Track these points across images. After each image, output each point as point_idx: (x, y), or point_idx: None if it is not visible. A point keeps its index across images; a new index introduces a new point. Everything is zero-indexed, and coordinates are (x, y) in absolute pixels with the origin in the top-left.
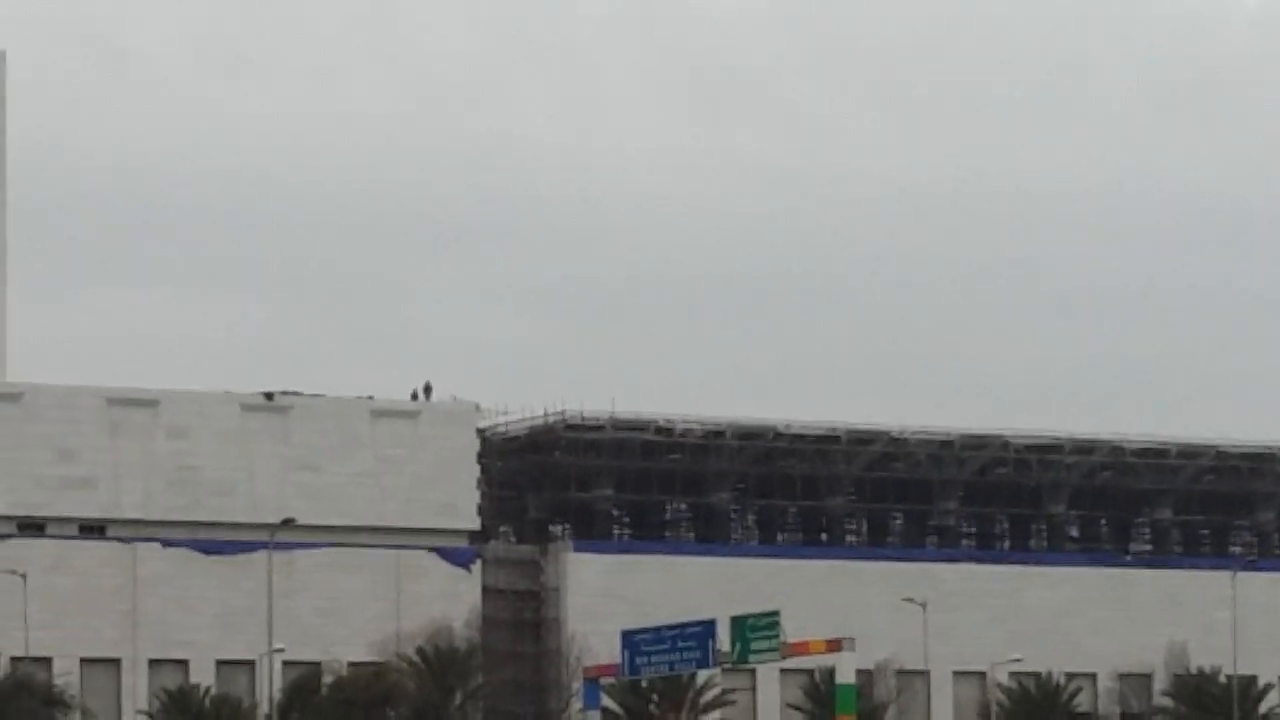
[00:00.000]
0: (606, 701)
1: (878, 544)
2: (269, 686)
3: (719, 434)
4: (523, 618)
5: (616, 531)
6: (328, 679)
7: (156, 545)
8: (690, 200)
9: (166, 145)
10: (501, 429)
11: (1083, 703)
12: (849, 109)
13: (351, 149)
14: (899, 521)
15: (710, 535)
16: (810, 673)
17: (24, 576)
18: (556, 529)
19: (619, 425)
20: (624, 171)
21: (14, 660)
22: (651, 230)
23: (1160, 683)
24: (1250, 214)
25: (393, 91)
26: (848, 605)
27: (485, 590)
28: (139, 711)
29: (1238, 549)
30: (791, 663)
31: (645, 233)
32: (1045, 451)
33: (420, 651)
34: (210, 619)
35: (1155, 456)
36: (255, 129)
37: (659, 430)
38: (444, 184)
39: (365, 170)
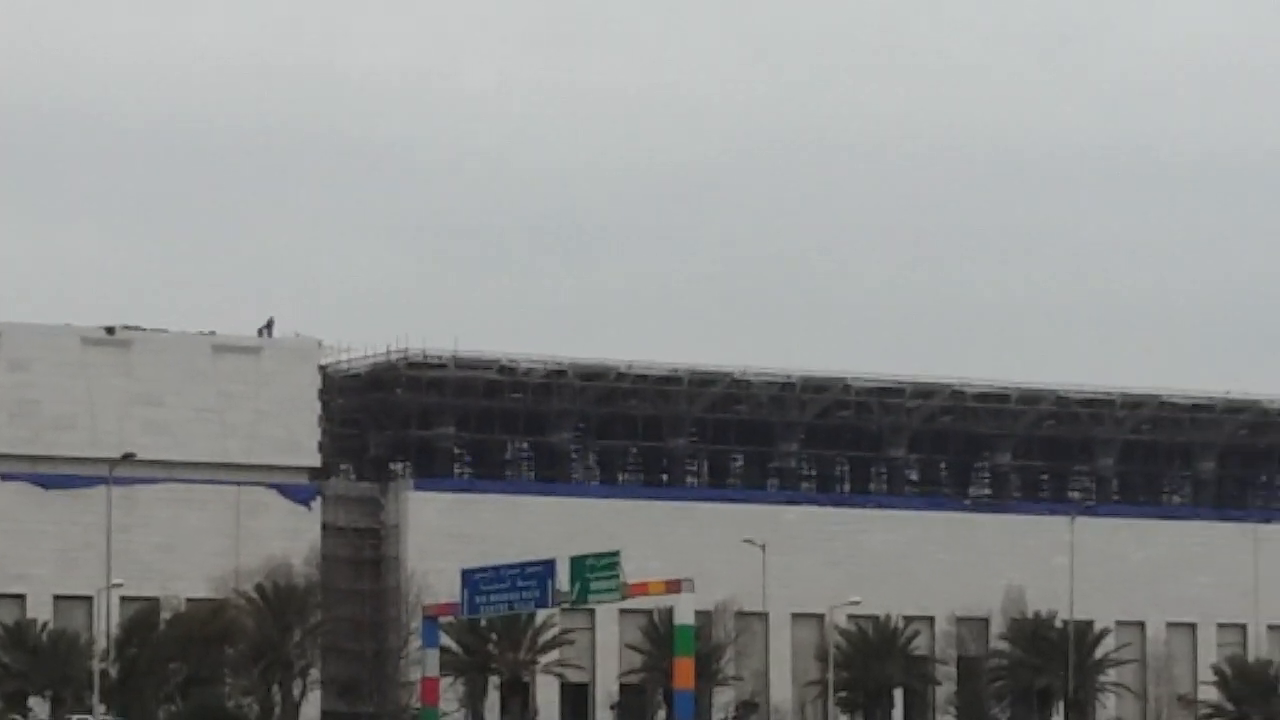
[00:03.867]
0: (445, 640)
1: (718, 485)
2: (107, 622)
3: (561, 374)
4: (362, 555)
5: (457, 470)
6: (166, 615)
7: None
8: (535, 137)
9: (1, 79)
10: (344, 366)
11: (920, 645)
12: (702, 41)
13: (196, 83)
14: (740, 463)
15: (551, 475)
16: (649, 613)
17: None
18: (397, 467)
19: (461, 364)
20: (468, 108)
21: None
22: (497, 169)
23: (998, 626)
24: (1094, 160)
25: (240, 27)
26: (688, 546)
27: (325, 527)
28: None
29: (1076, 494)
30: (631, 603)
31: (491, 171)
32: (886, 395)
33: (259, 588)
34: (48, 553)
35: (996, 401)
36: (96, 60)
37: (501, 369)
38: (289, 121)
39: (211, 106)
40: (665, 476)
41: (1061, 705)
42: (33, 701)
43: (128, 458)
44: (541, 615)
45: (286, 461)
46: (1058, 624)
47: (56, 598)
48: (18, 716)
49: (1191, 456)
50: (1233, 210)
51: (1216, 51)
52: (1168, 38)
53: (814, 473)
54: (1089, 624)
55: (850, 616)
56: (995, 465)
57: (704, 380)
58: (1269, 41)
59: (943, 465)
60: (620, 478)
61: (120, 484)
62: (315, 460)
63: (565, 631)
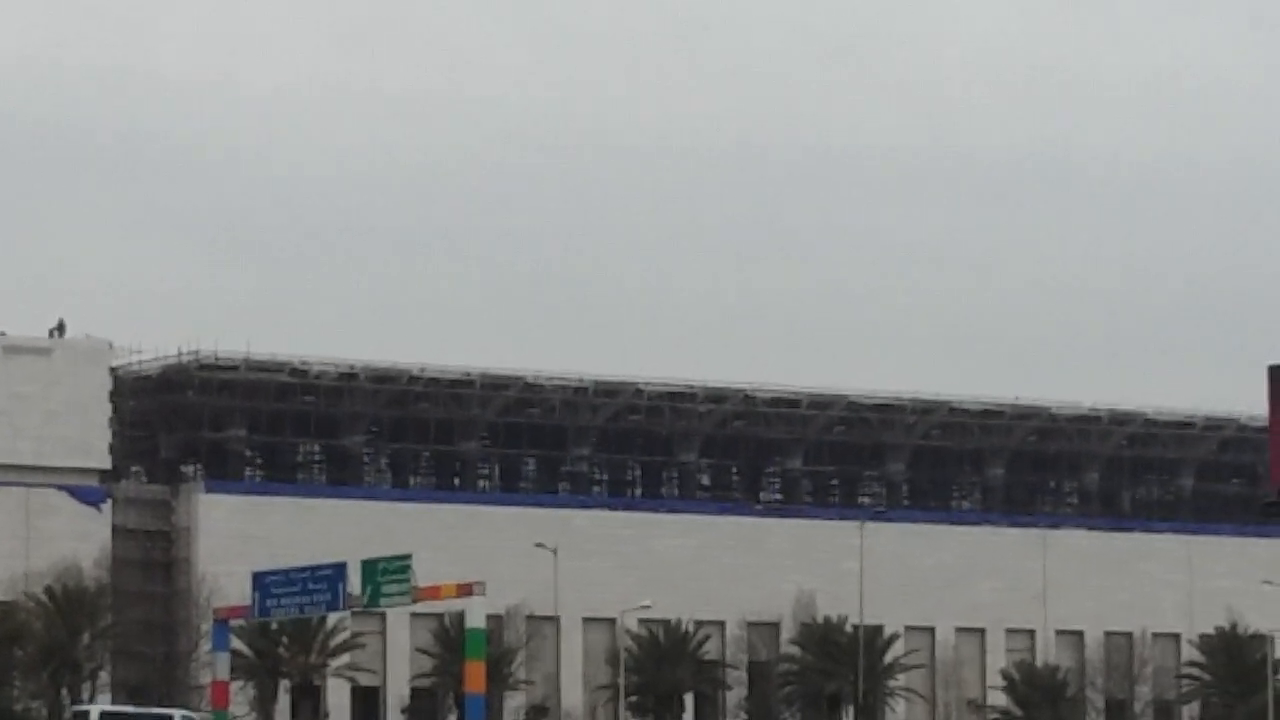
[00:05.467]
0: (236, 643)
1: (510, 489)
2: None
3: (353, 376)
4: (153, 558)
5: (249, 473)
6: None
7: None
8: (328, 138)
9: None
10: (135, 368)
11: (711, 650)
12: (494, 44)
13: None
14: (531, 467)
15: (343, 478)
16: (440, 617)
17: None
18: (188, 469)
19: (253, 366)
20: (260, 109)
21: None
22: (289, 170)
23: (788, 631)
24: (900, 163)
25: (27, 24)
26: (479, 550)
27: (115, 530)
28: None
29: (866, 499)
30: (422, 606)
31: (284, 172)
32: (678, 399)
33: (48, 590)
34: None
35: (787, 406)
36: None
37: (293, 372)
38: (80, 120)
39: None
40: (457, 480)
41: (851, 710)
42: None
43: None
44: (332, 618)
45: (77, 463)
46: (848, 629)
47: None
48: None
49: (981, 462)
50: (1036, 215)
51: (1020, 53)
52: (975, 39)
53: (605, 477)
54: (879, 629)
55: (641, 621)
56: (786, 470)
57: (496, 384)
58: (1071, 43)
59: (734, 470)
60: (412, 481)
61: None
62: (106, 462)
63: (356, 635)
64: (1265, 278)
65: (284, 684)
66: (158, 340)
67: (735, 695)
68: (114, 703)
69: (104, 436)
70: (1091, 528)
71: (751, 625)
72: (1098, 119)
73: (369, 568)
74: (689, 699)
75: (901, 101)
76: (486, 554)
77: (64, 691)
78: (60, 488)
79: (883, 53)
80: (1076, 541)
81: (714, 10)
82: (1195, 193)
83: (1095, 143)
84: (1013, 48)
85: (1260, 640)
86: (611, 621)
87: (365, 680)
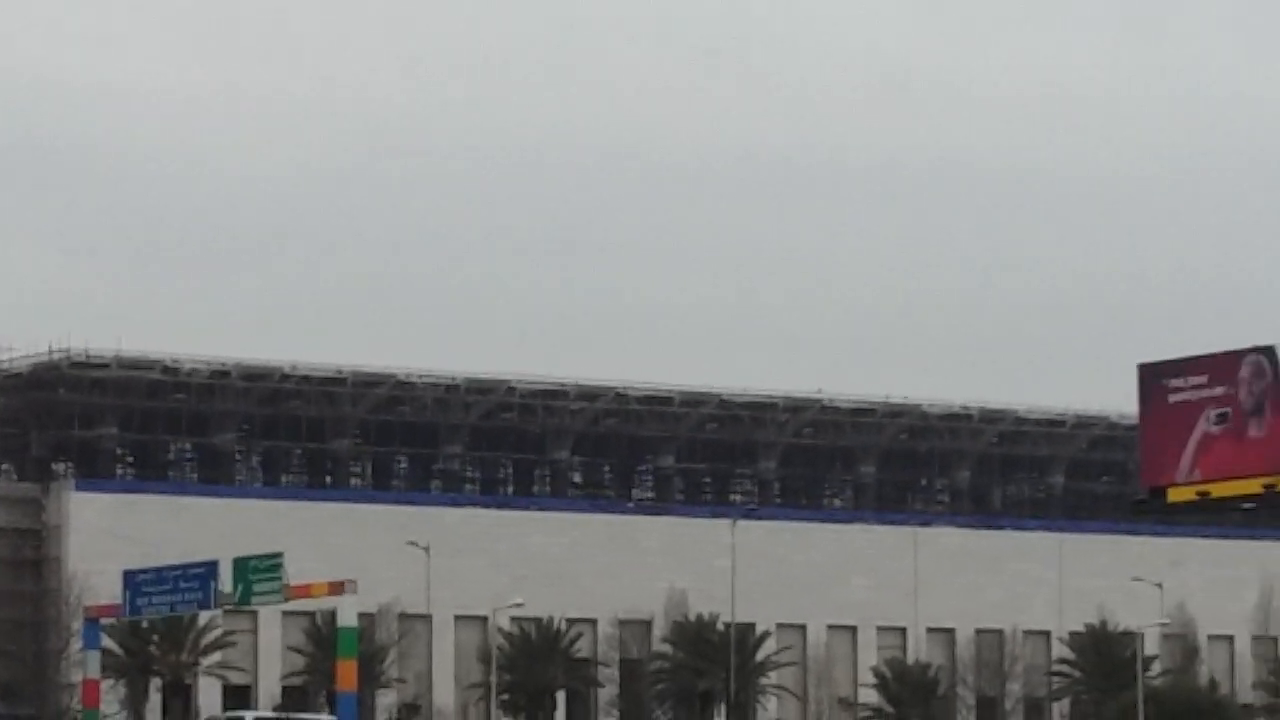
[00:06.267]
0: (107, 642)
1: (382, 487)
2: None
3: (225, 374)
4: (23, 556)
5: (120, 471)
6: None
7: None
8: (200, 138)
9: None
10: (4, 365)
11: (583, 648)
12: (365, 48)
13: None
14: (403, 465)
15: (214, 476)
16: (312, 615)
17: None
18: (59, 467)
19: (124, 364)
20: (132, 110)
21: None
22: (160, 170)
23: (660, 629)
24: (762, 167)
25: None
26: (351, 548)
27: None
28: None
29: (738, 497)
30: (294, 605)
31: (154, 172)
32: (550, 397)
33: None
34: None
35: (659, 404)
36: None
37: (165, 370)
38: None
39: None
40: (329, 478)
41: (723, 707)
42: None
43: None
44: (204, 617)
45: None
46: (719, 626)
47: None
48: None
49: (852, 460)
50: (893, 217)
51: (888, 59)
52: (843, 44)
53: (477, 475)
54: (750, 626)
55: (513, 619)
56: (658, 468)
57: (368, 382)
58: (935, 47)
59: (606, 468)
60: (284, 479)
61: None
62: None
63: (228, 633)
64: (1136, 277)
65: (155, 682)
66: (27, 338)
67: (607, 693)
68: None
69: None
70: (962, 525)
71: (623, 623)
72: (968, 123)
73: (240, 566)
74: (561, 697)
75: (768, 105)
76: (358, 552)
77: None
78: None
79: (751, 57)
80: (947, 539)
81: (576, 11)
82: (1067, 193)
83: (967, 145)
84: (884, 53)
85: (1129, 637)
86: (483, 619)
87: (236, 679)
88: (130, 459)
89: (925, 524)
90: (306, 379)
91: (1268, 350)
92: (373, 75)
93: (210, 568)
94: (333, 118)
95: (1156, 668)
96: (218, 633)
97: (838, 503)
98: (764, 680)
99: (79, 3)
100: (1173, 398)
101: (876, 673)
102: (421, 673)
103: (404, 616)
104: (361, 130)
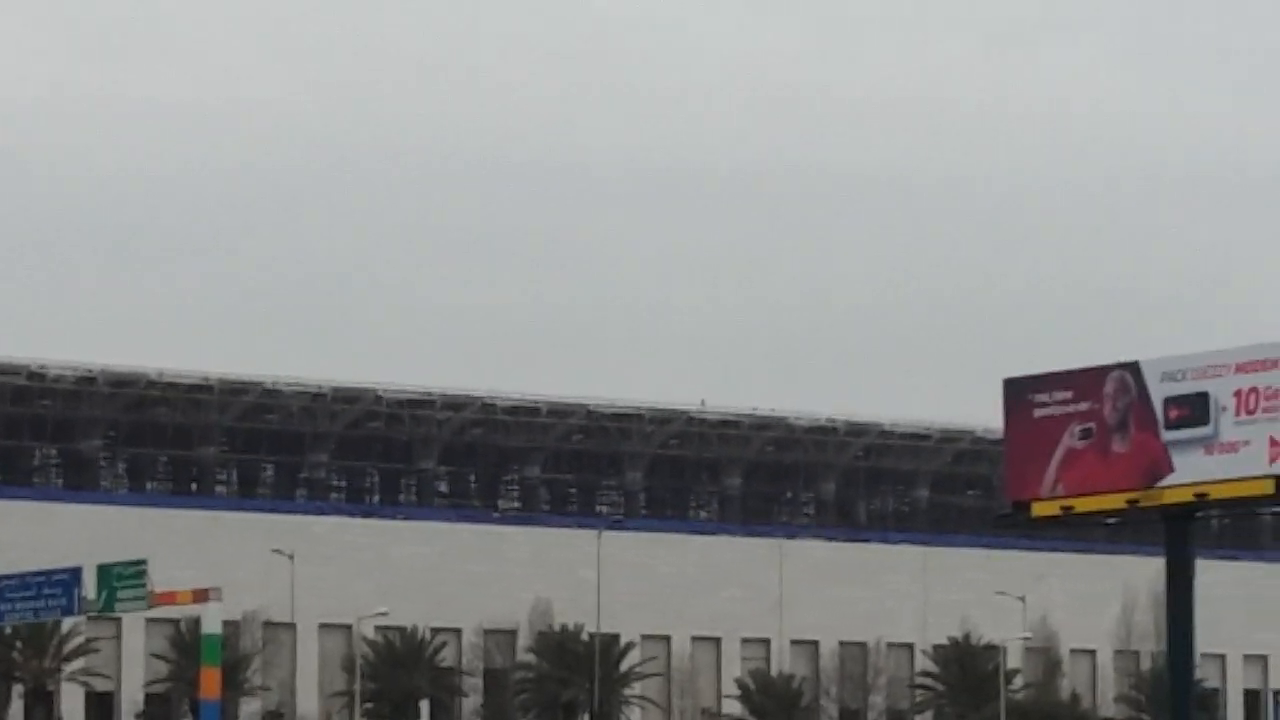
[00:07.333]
0: None
1: (248, 495)
2: None
3: (91, 380)
4: None
5: None
6: None
7: None
8: (74, 143)
9: None
10: None
11: (447, 657)
12: (243, 51)
13: None
14: (270, 473)
15: (80, 482)
16: (177, 622)
17: None
18: None
19: None
20: (6, 112)
21: None
22: (31, 172)
23: (525, 639)
24: (627, 177)
25: None
26: (217, 556)
27: None
28: None
29: (604, 508)
30: (158, 612)
31: (25, 174)
32: (416, 407)
33: None
34: None
35: (526, 414)
36: None
37: (30, 375)
38: None
39: None
40: (194, 485)
41: (587, 717)
42: None
43: None
44: (67, 623)
45: None
46: (584, 637)
47: None
48: None
49: (718, 472)
50: (755, 228)
51: (759, 70)
52: (711, 55)
53: (344, 483)
54: (615, 637)
55: (378, 628)
56: (524, 478)
57: (234, 389)
58: (811, 61)
59: (472, 477)
60: (149, 486)
61: None
62: None
63: (91, 640)
64: (1001, 291)
65: (17, 689)
66: None
67: (471, 702)
68: None
69: None
70: (828, 538)
71: (488, 633)
72: (836, 133)
73: (105, 572)
74: (425, 706)
75: (633, 114)
76: (223, 560)
77: None
78: None
79: (619, 66)
80: (813, 551)
81: (443, 16)
82: (933, 207)
83: (831, 158)
84: (751, 64)
85: (993, 651)
86: (348, 628)
87: (100, 685)
88: None
89: (790, 536)
90: (173, 386)
91: (1132, 366)
92: (252, 81)
93: (74, 574)
94: (213, 124)
95: (1019, 681)
96: (81, 639)
97: (703, 514)
98: (628, 691)
99: None
100: (1038, 413)
101: (740, 684)
102: (285, 681)
103: (268, 624)
104: (240, 137)
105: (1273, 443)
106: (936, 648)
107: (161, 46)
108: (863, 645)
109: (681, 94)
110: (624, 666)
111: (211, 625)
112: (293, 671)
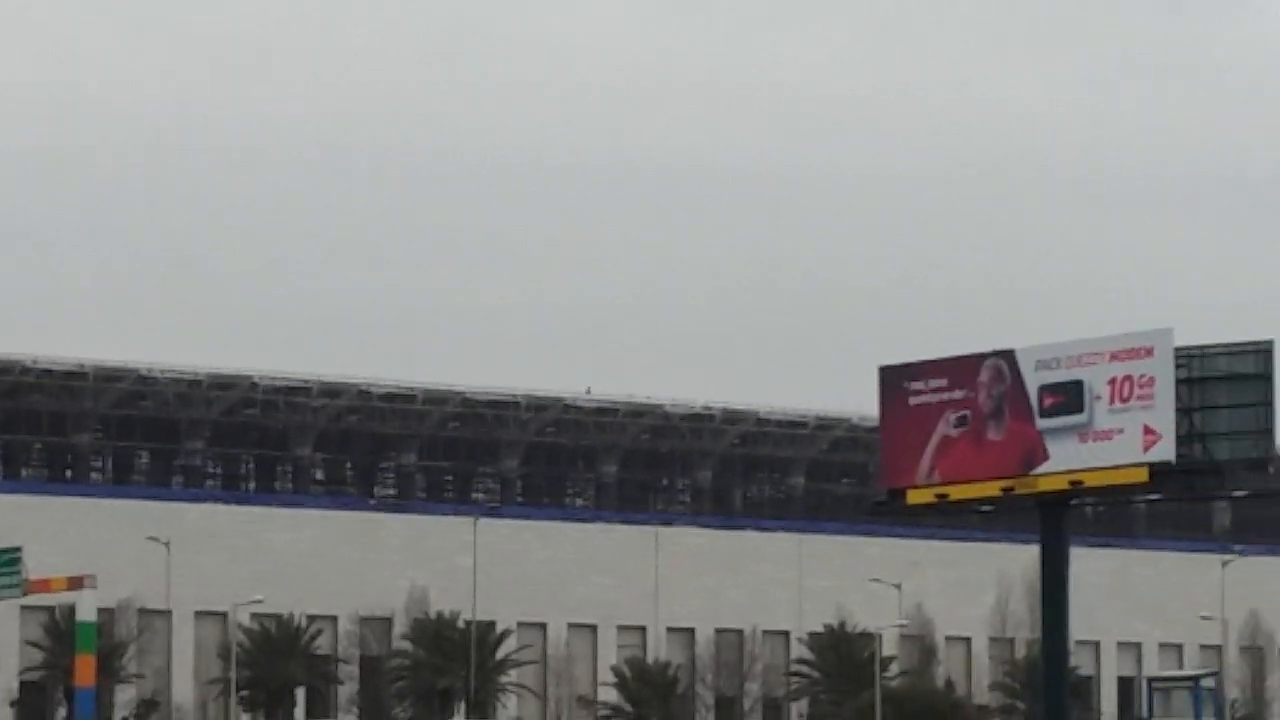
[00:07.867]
0: None
1: (123, 482)
2: None
3: None
4: None
5: None
6: None
7: None
8: None
9: None
10: None
11: (323, 645)
12: (105, 38)
13: None
14: (145, 460)
15: None
16: (51, 610)
17: None
18: None
19: None
20: None
21: None
22: None
23: (400, 626)
24: (506, 167)
25: None
26: (91, 543)
27: None
28: None
29: (480, 495)
30: (32, 599)
31: None
32: (293, 393)
33: None
34: None
35: (402, 401)
36: None
37: None
38: None
39: None
40: (69, 472)
41: (463, 705)
42: None
43: None
44: None
45: None
46: (460, 624)
47: None
48: None
49: (594, 459)
50: (634, 218)
51: (632, 59)
52: (583, 45)
53: (219, 470)
54: (491, 624)
55: (253, 615)
56: (400, 465)
57: (109, 376)
58: (687, 51)
59: (348, 464)
60: (23, 472)
61: None
62: None
63: None
64: (877, 279)
65: None
66: None
67: (347, 690)
68: None
69: None
70: (703, 525)
71: (364, 620)
72: (704, 123)
73: None
74: (300, 693)
75: (506, 105)
76: (98, 547)
77: None
78: None
79: (489, 56)
80: (688, 539)
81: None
82: (811, 195)
83: (697, 146)
84: (624, 54)
85: (868, 638)
86: (223, 615)
87: None
88: None
89: (666, 524)
90: (48, 372)
91: (1007, 354)
92: (118, 68)
93: None
94: (77, 110)
95: (894, 668)
96: None
97: (579, 502)
98: (504, 678)
99: None
100: (913, 400)
101: (616, 671)
102: (161, 668)
103: (144, 612)
104: (107, 123)
105: (1146, 431)
106: (812, 635)
107: (15, 31)
108: (739, 633)
109: (544, 82)
110: (500, 654)
111: (86, 613)
112: (168, 659)
